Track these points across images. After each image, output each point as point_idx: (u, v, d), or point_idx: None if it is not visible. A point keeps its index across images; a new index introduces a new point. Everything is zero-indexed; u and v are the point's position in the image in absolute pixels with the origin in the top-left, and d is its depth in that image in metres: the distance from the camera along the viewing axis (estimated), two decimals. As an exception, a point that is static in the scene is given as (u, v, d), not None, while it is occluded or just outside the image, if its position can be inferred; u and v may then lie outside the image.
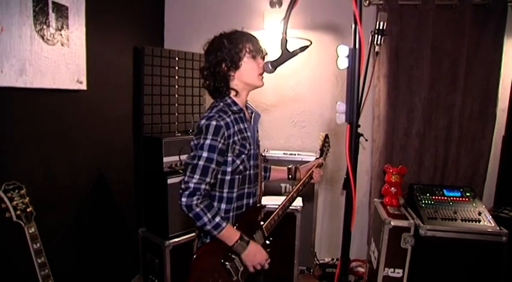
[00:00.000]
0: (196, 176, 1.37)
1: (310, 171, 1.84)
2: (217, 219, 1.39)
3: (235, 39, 1.47)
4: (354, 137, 0.95)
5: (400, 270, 2.47)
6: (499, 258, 2.29)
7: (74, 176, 2.11)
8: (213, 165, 1.39)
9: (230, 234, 1.43)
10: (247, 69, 1.48)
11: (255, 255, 1.48)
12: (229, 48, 1.45)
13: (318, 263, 3.20)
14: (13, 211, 1.42)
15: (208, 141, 1.37)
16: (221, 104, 1.48)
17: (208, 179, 1.39)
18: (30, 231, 1.46)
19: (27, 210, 1.46)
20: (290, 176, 1.89)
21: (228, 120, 1.42)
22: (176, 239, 2.46)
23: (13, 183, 1.45)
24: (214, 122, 1.38)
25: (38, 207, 1.51)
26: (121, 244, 2.65)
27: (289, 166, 1.91)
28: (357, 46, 0.93)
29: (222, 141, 1.39)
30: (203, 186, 1.38)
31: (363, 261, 3.20)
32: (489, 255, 2.30)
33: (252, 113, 1.61)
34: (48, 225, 1.77)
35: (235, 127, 1.45)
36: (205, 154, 1.37)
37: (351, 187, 0.95)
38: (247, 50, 1.47)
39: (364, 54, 0.94)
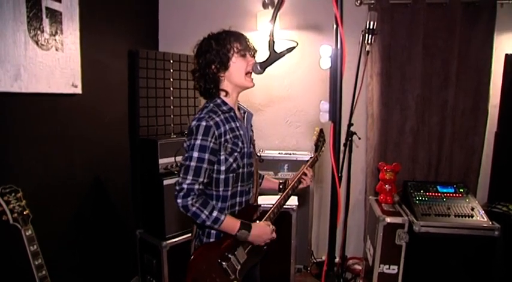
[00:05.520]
0: (189, 177, 1.40)
1: (299, 176, 1.81)
2: (215, 213, 1.42)
3: (223, 39, 1.49)
4: (338, 135, 0.98)
5: (395, 267, 2.50)
6: (492, 252, 2.33)
7: (71, 178, 2.14)
8: (205, 165, 1.41)
9: (231, 224, 1.47)
10: (236, 68, 1.50)
11: (261, 236, 1.55)
12: (217, 50, 1.47)
13: (315, 261, 3.22)
14: (10, 214, 1.45)
15: (198, 142, 1.40)
16: (211, 104, 1.51)
17: (201, 179, 1.42)
18: (27, 234, 1.49)
19: (24, 213, 1.49)
20: (281, 187, 1.86)
21: (218, 119, 1.44)
22: (173, 240, 2.49)
23: (10, 186, 1.48)
24: (204, 123, 1.40)
25: (35, 209, 1.53)
26: (119, 245, 2.68)
27: (281, 181, 1.88)
28: (339, 46, 0.96)
29: (213, 140, 1.41)
30: (196, 186, 1.41)
31: (359, 259, 3.22)
32: (482, 249, 2.34)
33: (244, 113, 1.64)
34: (45, 227, 1.79)
35: (226, 126, 1.47)
36: (196, 154, 1.40)
37: (336, 184, 0.98)
38: (235, 49, 1.49)
39: (346, 54, 0.97)
